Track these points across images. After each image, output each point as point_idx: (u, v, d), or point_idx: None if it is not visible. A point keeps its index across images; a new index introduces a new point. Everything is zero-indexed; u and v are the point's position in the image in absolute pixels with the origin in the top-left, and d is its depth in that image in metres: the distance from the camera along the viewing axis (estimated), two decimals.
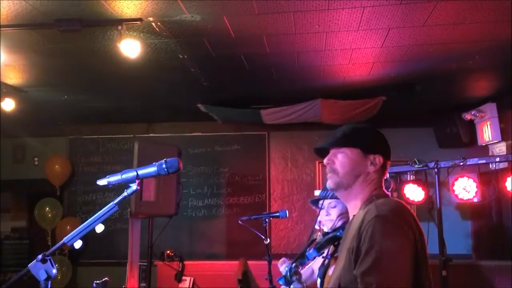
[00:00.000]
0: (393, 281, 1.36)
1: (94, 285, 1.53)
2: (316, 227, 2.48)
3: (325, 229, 2.43)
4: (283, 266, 2.22)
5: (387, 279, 1.36)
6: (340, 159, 1.65)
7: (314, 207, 2.59)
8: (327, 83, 4.83)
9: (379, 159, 1.64)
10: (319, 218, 2.46)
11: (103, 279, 1.59)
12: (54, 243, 6.08)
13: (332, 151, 1.69)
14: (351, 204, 1.66)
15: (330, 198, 2.42)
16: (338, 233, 2.03)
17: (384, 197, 1.61)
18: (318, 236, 2.31)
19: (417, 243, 1.44)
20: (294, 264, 2.08)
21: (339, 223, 2.38)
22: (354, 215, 1.62)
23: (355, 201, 1.64)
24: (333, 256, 2.24)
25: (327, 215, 2.44)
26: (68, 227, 6.06)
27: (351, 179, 1.62)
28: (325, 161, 1.69)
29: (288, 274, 2.06)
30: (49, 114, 5.92)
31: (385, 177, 1.69)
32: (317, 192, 3.25)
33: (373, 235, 1.39)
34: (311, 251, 2.04)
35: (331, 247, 2.21)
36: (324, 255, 2.16)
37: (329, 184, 1.67)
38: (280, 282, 2.13)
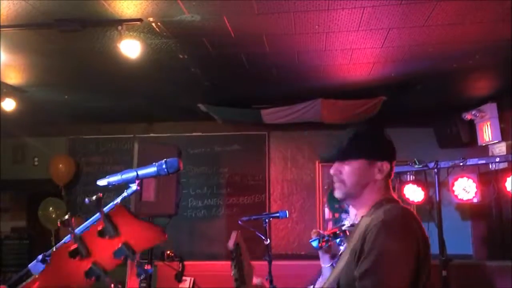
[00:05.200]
0: (389, 285, 1.37)
1: (86, 201, 1.44)
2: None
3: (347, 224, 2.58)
4: (315, 233, 2.32)
5: (383, 282, 1.37)
6: (346, 170, 1.64)
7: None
8: (327, 83, 4.83)
9: (386, 166, 1.64)
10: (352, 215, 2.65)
11: (96, 195, 1.49)
12: (58, 243, 6.07)
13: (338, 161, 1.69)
14: (360, 209, 1.67)
15: None
16: None
17: (393, 202, 1.62)
18: (347, 224, 2.47)
19: (420, 251, 1.45)
20: (328, 235, 2.22)
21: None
22: (362, 217, 1.63)
23: (365, 206, 1.65)
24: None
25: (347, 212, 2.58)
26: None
27: (358, 189, 1.63)
28: (331, 171, 1.68)
29: (321, 239, 2.19)
30: (49, 114, 5.92)
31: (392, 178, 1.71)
32: None
33: (376, 238, 1.42)
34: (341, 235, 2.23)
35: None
36: (343, 248, 2.30)
37: (337, 194, 1.67)
38: (314, 244, 2.25)
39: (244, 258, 1.97)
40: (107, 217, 1.42)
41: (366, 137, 1.68)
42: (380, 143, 1.68)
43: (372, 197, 1.63)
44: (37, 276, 1.38)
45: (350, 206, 2.60)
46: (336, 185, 1.67)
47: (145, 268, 1.43)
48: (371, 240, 1.42)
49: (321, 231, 2.33)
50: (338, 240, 2.23)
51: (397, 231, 1.44)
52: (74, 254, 1.40)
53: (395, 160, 1.70)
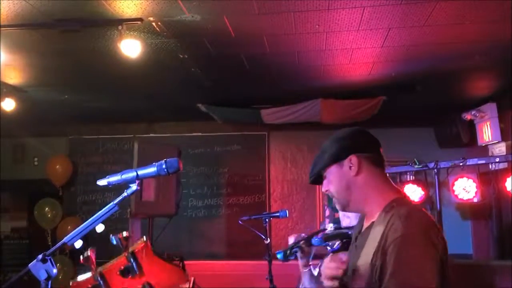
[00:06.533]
0: None
1: (113, 241, 1.33)
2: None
3: (342, 224, 2.53)
4: (292, 239, 2.29)
5: None
6: (328, 183, 1.64)
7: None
8: (327, 83, 4.83)
9: (353, 159, 1.57)
10: (340, 215, 2.59)
11: (123, 234, 1.38)
12: (54, 243, 6.08)
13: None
14: (366, 213, 1.63)
15: None
16: (350, 232, 2.08)
17: (404, 203, 1.55)
18: (330, 227, 2.39)
19: (442, 257, 1.46)
20: (298, 245, 2.17)
21: (355, 222, 2.45)
22: (373, 222, 1.57)
23: (369, 209, 1.60)
24: (338, 252, 2.34)
25: (344, 214, 2.52)
26: (69, 227, 6.06)
27: (346, 194, 1.60)
28: (323, 191, 1.69)
29: (289, 251, 2.13)
30: (49, 114, 5.92)
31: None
32: None
33: (398, 256, 1.40)
34: (317, 238, 2.13)
35: (339, 242, 2.29)
36: (330, 248, 2.24)
37: (338, 208, 1.69)
38: (278, 256, 2.20)
39: None
40: (133, 255, 1.38)
41: (326, 144, 1.67)
42: (338, 141, 1.64)
43: (368, 198, 1.58)
44: None
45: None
46: (334, 200, 1.67)
47: None
48: (393, 258, 1.40)
49: (302, 234, 2.30)
50: (321, 243, 2.18)
51: (419, 248, 1.42)
52: None
53: (374, 148, 1.62)
